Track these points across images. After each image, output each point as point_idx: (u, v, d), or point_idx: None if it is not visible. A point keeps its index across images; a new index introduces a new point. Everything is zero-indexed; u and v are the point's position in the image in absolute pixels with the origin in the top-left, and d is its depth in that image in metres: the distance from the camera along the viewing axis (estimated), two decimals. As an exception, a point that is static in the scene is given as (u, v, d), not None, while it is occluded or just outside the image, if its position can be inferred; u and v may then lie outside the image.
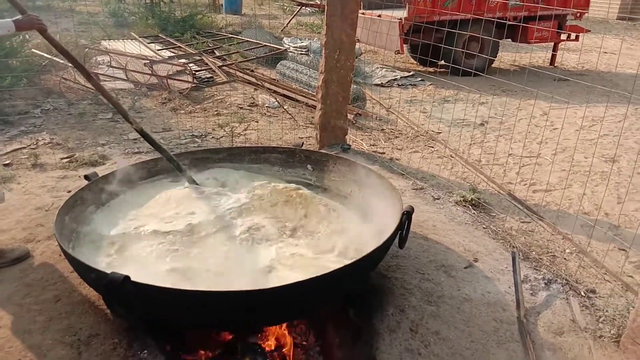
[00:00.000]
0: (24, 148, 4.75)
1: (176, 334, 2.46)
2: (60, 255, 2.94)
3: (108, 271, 2.05)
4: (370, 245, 2.36)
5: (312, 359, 2.59)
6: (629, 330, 2.39)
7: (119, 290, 1.98)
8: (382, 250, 2.41)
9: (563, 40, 9.83)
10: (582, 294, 2.83)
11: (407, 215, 2.55)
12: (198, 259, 2.49)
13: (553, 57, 10.04)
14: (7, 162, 4.40)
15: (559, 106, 6.49)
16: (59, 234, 2.44)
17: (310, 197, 2.99)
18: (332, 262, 2.43)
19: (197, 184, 3.14)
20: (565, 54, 10.96)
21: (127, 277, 1.98)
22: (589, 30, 9.85)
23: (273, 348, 2.61)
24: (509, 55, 10.59)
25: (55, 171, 4.26)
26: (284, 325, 2.64)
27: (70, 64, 3.08)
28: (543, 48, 10.68)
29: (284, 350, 2.54)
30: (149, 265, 2.44)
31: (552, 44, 9.96)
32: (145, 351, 2.25)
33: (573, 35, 9.69)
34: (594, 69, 9.80)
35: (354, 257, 2.37)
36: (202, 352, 2.45)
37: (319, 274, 2.09)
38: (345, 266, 2.18)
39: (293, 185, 3.12)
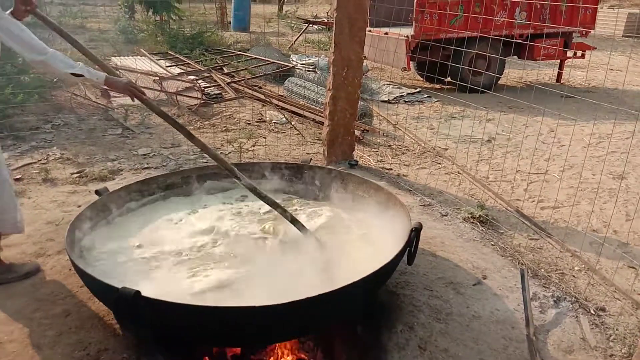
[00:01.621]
0: (34, 163, 4.80)
1: (186, 349, 2.46)
2: (70, 269, 2.96)
3: (119, 286, 2.07)
4: (378, 261, 2.36)
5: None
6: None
7: (129, 305, 1.99)
8: (390, 267, 2.42)
9: (569, 58, 9.86)
10: (592, 312, 2.82)
11: (415, 232, 2.56)
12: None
13: (559, 74, 10.07)
14: (18, 176, 4.45)
15: (566, 123, 6.50)
16: (70, 249, 2.46)
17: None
18: (340, 279, 2.43)
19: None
20: (572, 71, 11.00)
21: (138, 292, 2.00)
22: (595, 48, 9.89)
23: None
24: (515, 72, 10.62)
25: (66, 186, 4.30)
26: (293, 342, 2.64)
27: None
28: (550, 65, 10.72)
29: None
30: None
31: (559, 61, 9.99)
32: (154, 366, 2.26)
33: (579, 53, 9.73)
34: (601, 86, 9.81)
35: (362, 274, 2.37)
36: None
37: (327, 291, 2.10)
38: (354, 283, 2.18)
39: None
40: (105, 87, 2.82)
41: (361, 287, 2.23)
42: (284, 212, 2.80)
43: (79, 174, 4.53)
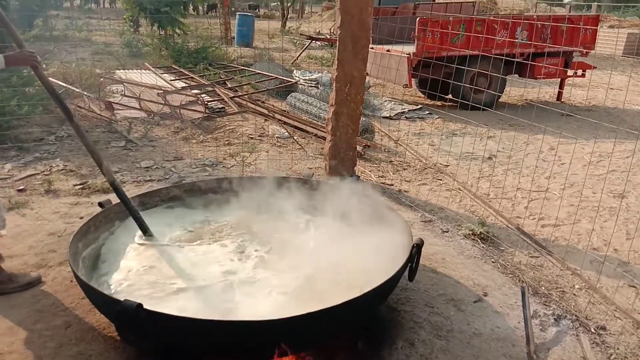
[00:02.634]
0: (38, 174, 4.83)
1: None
2: (71, 281, 2.97)
3: (121, 298, 2.08)
4: (379, 277, 2.37)
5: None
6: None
7: (131, 318, 2.00)
8: (391, 283, 2.43)
9: (570, 77, 9.94)
10: (593, 330, 2.81)
11: (417, 248, 2.57)
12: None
13: (560, 93, 10.14)
14: (21, 187, 4.47)
15: (567, 141, 6.53)
16: (72, 261, 2.48)
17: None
18: (341, 295, 2.44)
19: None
20: (572, 89, 11.07)
21: (140, 305, 2.00)
22: (595, 67, 9.97)
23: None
24: (516, 90, 10.70)
25: (68, 197, 4.32)
26: (294, 356, 2.63)
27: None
28: (550, 84, 10.79)
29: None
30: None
31: (559, 80, 10.07)
32: (154, 380, 2.26)
33: (580, 72, 9.81)
34: (601, 105, 9.87)
35: (363, 289, 2.38)
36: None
37: (328, 306, 2.10)
38: (354, 298, 2.18)
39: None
40: (10, 66, 2.77)
41: (362, 302, 2.24)
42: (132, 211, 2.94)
43: (81, 186, 4.55)
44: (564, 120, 7.82)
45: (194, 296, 2.47)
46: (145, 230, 2.97)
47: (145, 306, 2.02)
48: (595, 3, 20.58)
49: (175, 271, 2.70)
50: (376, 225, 3.05)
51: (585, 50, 9.33)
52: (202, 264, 2.77)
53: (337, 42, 4.55)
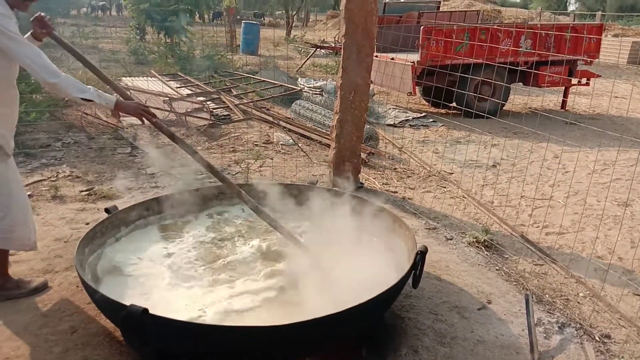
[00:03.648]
0: (44, 180, 4.87)
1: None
2: (77, 286, 2.99)
3: (127, 303, 2.10)
4: (383, 284, 2.37)
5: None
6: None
7: (137, 323, 2.02)
8: (395, 290, 2.43)
9: (574, 85, 9.95)
10: (597, 339, 2.81)
11: (421, 255, 2.58)
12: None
13: (564, 101, 10.14)
14: (28, 193, 4.49)
15: (571, 149, 6.53)
16: (79, 266, 2.50)
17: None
18: (345, 301, 2.45)
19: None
20: (576, 98, 11.08)
21: (145, 310, 2.02)
22: (600, 75, 9.98)
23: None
24: (520, 98, 10.72)
25: (75, 203, 4.35)
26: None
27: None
28: (554, 92, 10.80)
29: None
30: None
31: (563, 88, 10.08)
32: (159, 385, 2.27)
33: (584, 80, 9.82)
34: (605, 113, 9.87)
35: (367, 296, 2.38)
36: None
37: (332, 312, 2.11)
38: (358, 305, 2.19)
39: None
40: (116, 111, 2.86)
41: (366, 309, 2.25)
42: (283, 230, 2.92)
43: (87, 192, 4.59)
44: (568, 128, 7.82)
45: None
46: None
47: (151, 311, 2.04)
48: (600, 12, 20.62)
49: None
50: (380, 232, 3.07)
51: (589, 59, 9.34)
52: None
53: (342, 51, 4.59)
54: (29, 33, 2.77)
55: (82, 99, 2.67)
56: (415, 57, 8.39)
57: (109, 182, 4.88)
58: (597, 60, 9.79)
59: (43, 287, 3.01)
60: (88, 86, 2.69)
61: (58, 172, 5.08)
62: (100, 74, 2.99)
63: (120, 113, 6.92)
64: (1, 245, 2.83)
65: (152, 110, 7.10)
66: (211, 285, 2.70)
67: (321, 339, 2.29)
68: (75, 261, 2.50)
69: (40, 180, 4.86)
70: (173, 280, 2.74)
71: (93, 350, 2.47)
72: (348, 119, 4.73)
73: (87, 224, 3.85)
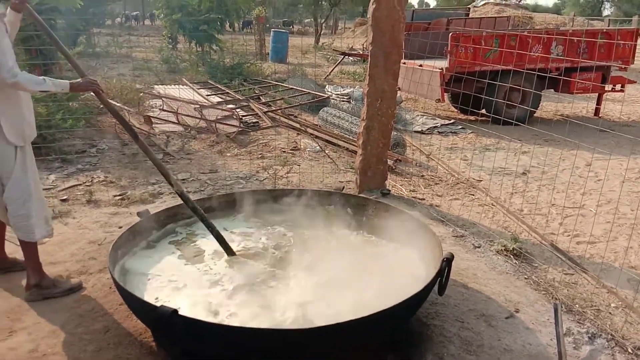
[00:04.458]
0: (80, 185, 5.03)
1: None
2: (110, 287, 3.09)
3: (157, 304, 2.16)
4: (408, 292, 2.38)
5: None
6: (679, 390, 2.30)
7: (166, 323, 2.08)
8: (420, 297, 2.44)
9: (607, 91, 9.73)
10: (630, 350, 2.75)
11: (447, 262, 2.58)
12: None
13: (597, 108, 9.91)
14: (64, 197, 4.67)
15: (603, 157, 6.39)
16: (112, 268, 2.59)
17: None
18: (371, 307, 2.46)
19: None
20: (610, 104, 10.83)
21: (175, 311, 2.08)
22: (634, 82, 9.74)
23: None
24: (552, 105, 10.54)
25: (108, 207, 4.49)
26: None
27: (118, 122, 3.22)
28: (588, 99, 10.58)
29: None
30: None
31: (597, 94, 9.87)
32: (187, 385, 2.32)
33: (618, 86, 9.59)
34: (640, 120, 9.63)
35: (392, 302, 2.40)
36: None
37: (356, 317, 2.13)
38: (383, 310, 2.21)
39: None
40: (72, 91, 3.00)
41: (391, 315, 2.26)
42: (212, 230, 3.04)
43: (121, 197, 4.72)
44: (601, 135, 7.65)
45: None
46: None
47: (181, 312, 2.10)
48: (637, 17, 20.08)
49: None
50: (406, 239, 3.08)
51: (623, 65, 9.12)
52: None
53: (369, 58, 4.62)
54: (8, 8, 2.85)
55: (40, 90, 2.82)
56: (443, 63, 8.36)
57: (142, 187, 5.01)
58: (632, 65, 9.56)
59: (78, 288, 3.13)
60: (42, 77, 2.78)
61: (93, 177, 5.24)
62: (67, 53, 3.06)
63: (152, 120, 7.11)
64: (25, 237, 2.94)
65: (184, 118, 7.27)
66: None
67: (346, 343, 2.31)
68: (108, 263, 2.59)
69: (76, 185, 5.03)
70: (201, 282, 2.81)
71: (125, 350, 2.55)
72: (375, 126, 4.75)
73: (120, 227, 3.96)
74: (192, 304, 2.57)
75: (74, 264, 3.41)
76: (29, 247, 3.01)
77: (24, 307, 2.93)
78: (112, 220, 4.20)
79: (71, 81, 2.96)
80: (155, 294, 2.69)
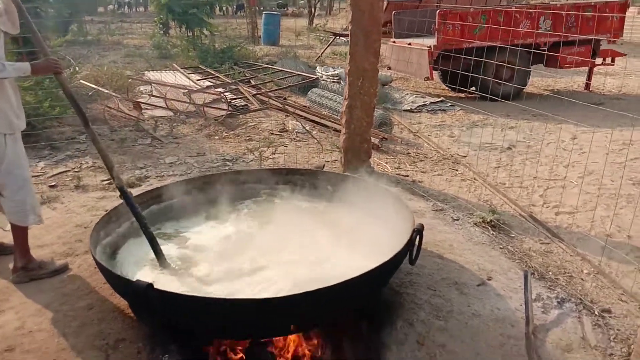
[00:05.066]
0: (68, 171, 5.10)
1: (198, 339, 2.62)
2: (95, 268, 3.17)
3: (133, 279, 2.25)
4: (379, 261, 2.46)
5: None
6: (637, 347, 2.39)
7: (142, 297, 2.16)
8: (390, 265, 2.52)
9: (598, 65, 9.72)
10: (596, 313, 2.84)
11: (417, 233, 2.66)
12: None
13: (588, 82, 9.91)
14: (53, 184, 4.75)
15: (590, 130, 6.44)
16: (93, 247, 2.67)
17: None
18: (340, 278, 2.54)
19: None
20: (602, 78, 10.83)
21: (150, 285, 2.17)
22: (625, 54, 9.72)
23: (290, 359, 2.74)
24: (543, 80, 10.54)
25: (96, 192, 4.56)
26: (300, 337, 2.77)
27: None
28: (580, 73, 10.57)
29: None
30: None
31: (587, 68, 9.86)
32: (167, 355, 2.42)
33: (609, 60, 9.58)
34: (632, 93, 9.63)
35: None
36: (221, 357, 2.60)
37: (325, 286, 2.22)
38: (352, 278, 2.29)
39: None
40: (35, 74, 2.98)
41: (360, 283, 2.34)
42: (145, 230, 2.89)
43: (108, 181, 4.79)
44: (590, 109, 7.67)
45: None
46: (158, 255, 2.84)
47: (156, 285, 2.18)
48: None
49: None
50: (381, 212, 3.15)
51: (612, 38, 9.10)
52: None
53: (350, 37, 4.65)
54: None
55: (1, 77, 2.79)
56: (431, 41, 8.36)
57: (129, 172, 5.08)
58: (625, 38, 9.53)
59: (64, 269, 3.20)
60: (0, 63, 2.77)
61: (81, 164, 5.31)
62: (35, 33, 2.98)
63: (142, 106, 7.15)
64: (19, 221, 3.02)
65: (173, 102, 7.28)
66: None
67: (319, 311, 2.40)
68: (90, 242, 2.68)
69: (65, 172, 5.10)
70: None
71: (108, 325, 2.65)
72: (357, 105, 4.80)
73: (107, 210, 4.03)
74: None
75: (60, 247, 3.50)
76: (20, 231, 3.09)
77: (11, 289, 3.01)
78: (99, 204, 4.28)
79: (32, 62, 2.92)
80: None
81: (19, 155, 2.97)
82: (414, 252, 2.70)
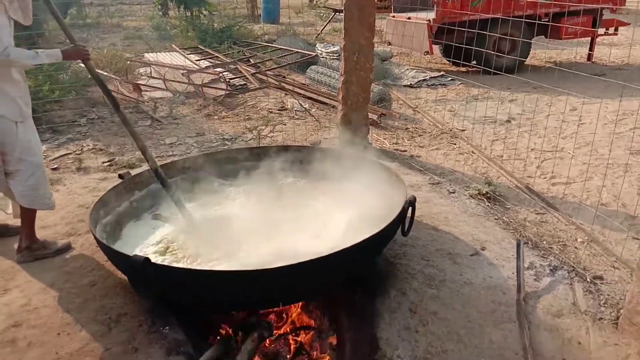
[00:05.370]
0: (70, 154, 5.16)
1: (196, 312, 2.70)
2: (97, 247, 3.25)
3: (131, 254, 2.31)
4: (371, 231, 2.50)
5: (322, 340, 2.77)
6: (626, 311, 2.45)
7: (140, 271, 2.23)
8: (382, 236, 2.57)
9: (600, 35, 9.60)
10: (588, 280, 2.89)
11: (409, 204, 2.70)
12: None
13: (590, 53, 9.80)
14: (55, 166, 4.81)
15: (590, 101, 6.41)
16: (93, 225, 2.73)
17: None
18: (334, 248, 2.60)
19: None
20: (606, 49, 10.70)
21: (147, 259, 2.23)
22: (628, 24, 9.59)
23: (289, 330, 2.82)
24: (545, 52, 10.44)
25: (97, 173, 4.63)
26: (297, 308, 2.85)
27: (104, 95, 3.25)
28: (582, 44, 10.45)
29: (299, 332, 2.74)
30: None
31: (589, 39, 9.74)
32: (167, 327, 2.50)
33: (611, 30, 9.45)
34: (636, 64, 9.53)
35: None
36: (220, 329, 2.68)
37: (318, 256, 2.27)
38: (344, 249, 2.34)
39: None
40: (66, 60, 3.06)
41: (353, 253, 2.39)
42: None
43: (109, 163, 4.86)
44: (592, 80, 7.61)
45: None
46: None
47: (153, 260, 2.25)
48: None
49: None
50: (375, 185, 3.19)
51: (614, 7, 8.97)
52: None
53: (344, 12, 4.63)
54: None
55: (35, 64, 2.88)
56: (431, 15, 8.28)
57: (130, 153, 5.14)
58: (632, 8, 9.39)
59: (67, 248, 3.29)
60: (34, 50, 2.83)
61: (83, 146, 5.37)
62: (61, 22, 3.04)
63: (142, 87, 7.18)
64: (29, 205, 3.10)
65: (173, 83, 7.29)
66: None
67: (311, 282, 2.46)
68: (90, 221, 2.74)
69: (67, 154, 5.16)
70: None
71: (110, 300, 2.73)
72: (353, 80, 4.80)
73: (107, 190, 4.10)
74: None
75: (63, 227, 3.57)
76: (29, 214, 3.17)
77: (16, 268, 3.10)
78: (100, 185, 4.34)
79: (62, 49, 2.99)
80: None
81: (31, 141, 3.02)
82: (407, 224, 2.75)
